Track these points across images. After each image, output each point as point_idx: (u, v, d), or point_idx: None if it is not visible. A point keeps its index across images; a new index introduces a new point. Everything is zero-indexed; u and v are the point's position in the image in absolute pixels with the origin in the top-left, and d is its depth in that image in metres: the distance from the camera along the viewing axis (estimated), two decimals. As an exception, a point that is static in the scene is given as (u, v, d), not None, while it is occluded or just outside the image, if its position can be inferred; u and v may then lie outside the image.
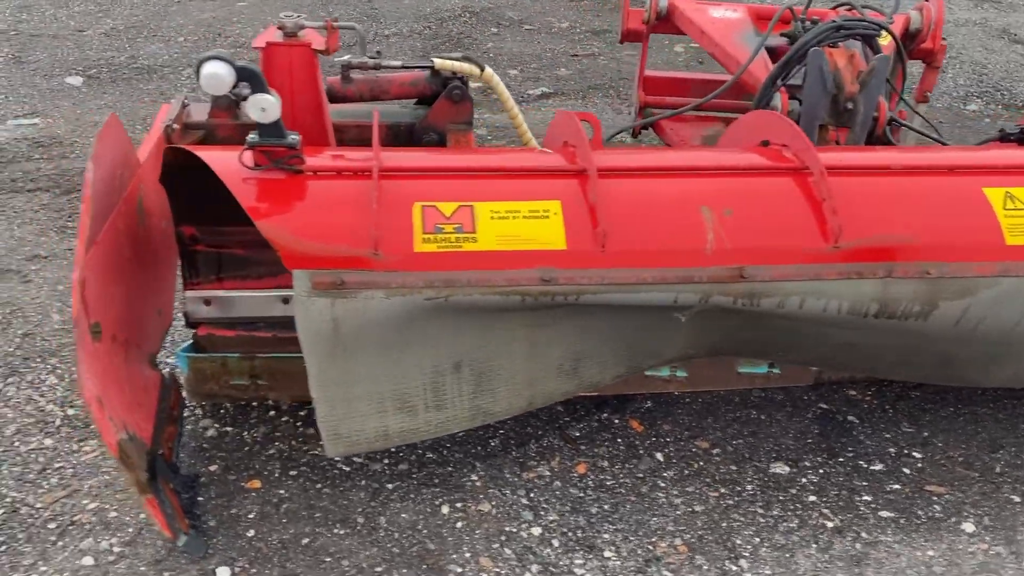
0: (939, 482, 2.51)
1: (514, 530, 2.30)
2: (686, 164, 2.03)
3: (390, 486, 2.43)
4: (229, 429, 2.61)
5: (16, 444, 2.52)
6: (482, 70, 2.56)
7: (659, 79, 3.72)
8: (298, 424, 2.64)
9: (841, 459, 2.59)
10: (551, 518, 2.34)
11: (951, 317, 1.99)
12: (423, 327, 1.87)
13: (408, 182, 1.88)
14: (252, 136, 1.87)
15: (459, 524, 2.31)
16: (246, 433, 2.60)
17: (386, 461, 2.51)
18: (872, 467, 2.56)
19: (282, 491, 2.40)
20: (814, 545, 2.28)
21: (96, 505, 2.33)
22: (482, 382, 2.06)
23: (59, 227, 3.68)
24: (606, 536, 2.29)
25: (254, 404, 2.71)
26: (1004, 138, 2.50)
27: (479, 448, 2.57)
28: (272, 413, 2.68)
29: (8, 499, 2.33)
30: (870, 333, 2.05)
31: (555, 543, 2.26)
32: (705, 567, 2.21)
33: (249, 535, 2.26)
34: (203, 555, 2.17)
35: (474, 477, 2.47)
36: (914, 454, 2.62)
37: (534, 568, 2.19)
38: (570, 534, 2.29)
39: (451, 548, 2.24)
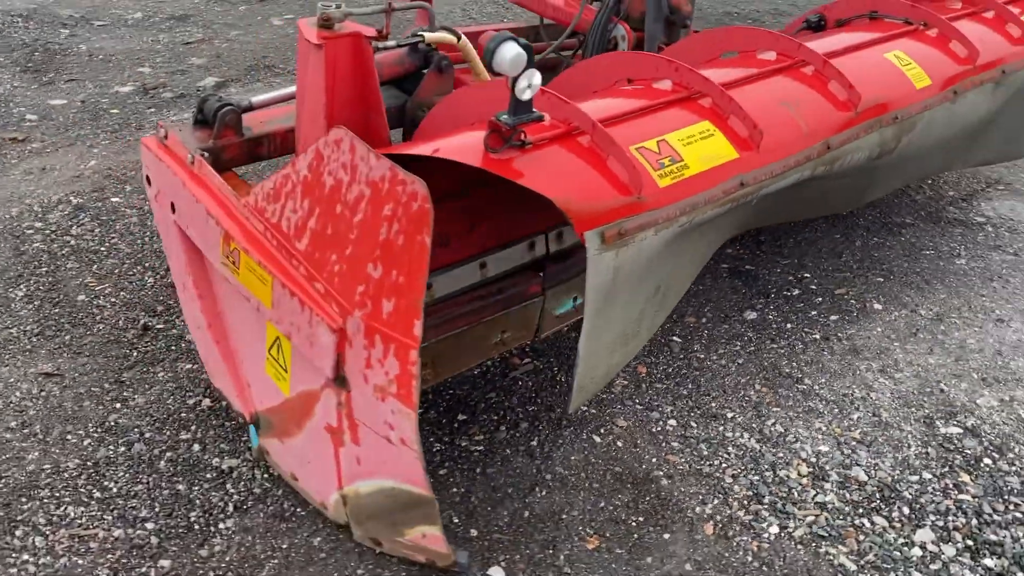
0: (837, 285, 3.38)
1: (659, 428, 2.62)
2: (747, 75, 2.45)
3: (534, 443, 2.54)
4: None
5: None
6: (459, 39, 2.63)
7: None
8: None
9: (772, 295, 3.32)
10: (669, 409, 2.70)
11: (909, 142, 2.78)
12: (663, 256, 2.09)
13: (611, 130, 2.03)
14: (505, 117, 1.85)
15: (619, 443, 2.56)
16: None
17: (503, 427, 2.60)
18: (793, 293, 3.34)
19: (452, 488, 2.38)
20: (825, 353, 2.99)
21: (304, 585, 2.08)
22: (664, 300, 2.32)
23: None
24: (714, 404, 2.73)
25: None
26: (810, 26, 3.36)
27: (555, 389, 2.78)
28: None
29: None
30: (861, 174, 2.75)
31: (693, 424, 2.64)
32: (790, 396, 2.78)
33: (473, 534, 2.24)
34: (470, 564, 2.13)
35: (582, 407, 2.68)
36: (805, 275, 3.45)
37: (703, 447, 2.56)
38: (693, 414, 2.68)
39: (635, 460, 2.49)
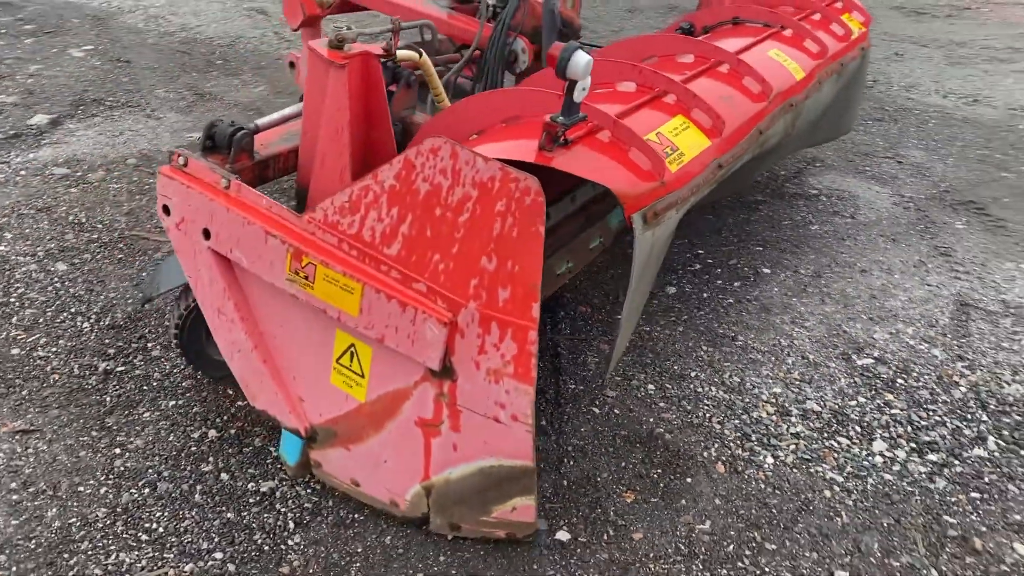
0: (727, 257, 3.87)
1: (643, 393, 2.93)
2: (688, 74, 2.79)
3: (543, 422, 2.77)
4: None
5: None
6: (420, 55, 2.78)
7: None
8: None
9: (679, 271, 3.75)
10: (643, 376, 3.02)
11: (798, 125, 3.28)
12: (670, 233, 2.40)
13: (623, 122, 2.30)
14: (560, 118, 2.06)
15: (616, 411, 2.85)
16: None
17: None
18: (696, 267, 3.79)
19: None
20: (744, 314, 3.44)
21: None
22: (656, 273, 2.63)
23: None
24: (676, 367, 3.09)
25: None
26: (683, 33, 3.80)
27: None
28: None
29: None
30: (768, 155, 3.21)
31: (668, 386, 2.98)
32: (732, 352, 3.19)
33: (528, 507, 2.44)
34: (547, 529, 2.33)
35: (571, 386, 2.94)
36: (699, 251, 3.92)
37: (685, 403, 2.90)
38: (663, 377, 3.02)
39: (635, 423, 2.79)
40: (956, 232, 4.23)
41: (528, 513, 2.16)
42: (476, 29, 3.65)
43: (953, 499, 2.57)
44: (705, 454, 2.67)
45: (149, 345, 3.02)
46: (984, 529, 2.46)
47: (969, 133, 5.72)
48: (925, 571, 2.31)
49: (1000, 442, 2.80)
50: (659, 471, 2.60)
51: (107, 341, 3.03)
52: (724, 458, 2.66)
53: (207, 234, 2.21)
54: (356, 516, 2.36)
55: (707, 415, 2.84)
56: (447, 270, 1.93)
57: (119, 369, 2.89)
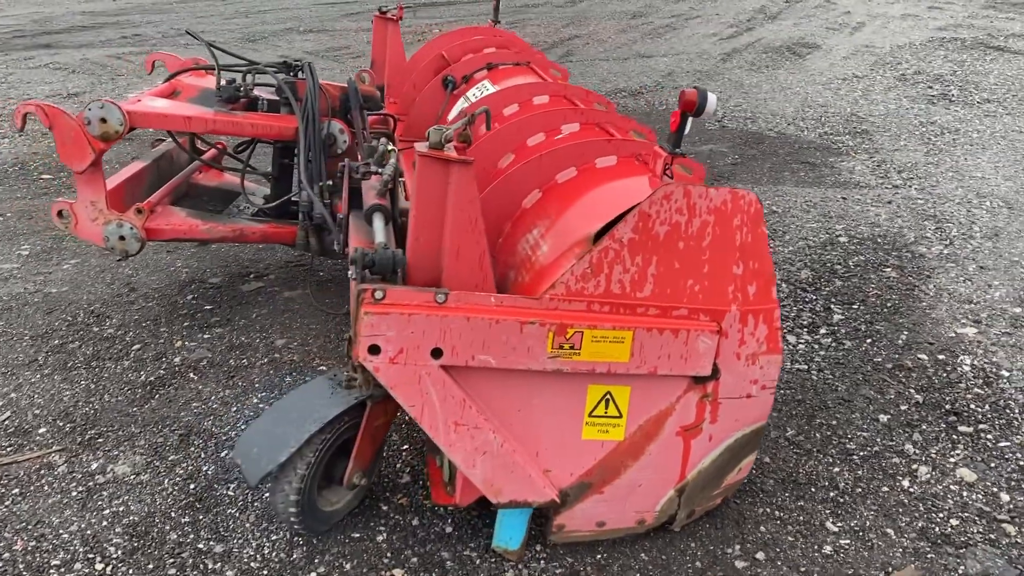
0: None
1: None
2: (579, 106, 3.32)
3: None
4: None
5: None
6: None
7: (122, 184, 3.57)
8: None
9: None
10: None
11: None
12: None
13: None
14: (677, 151, 2.48)
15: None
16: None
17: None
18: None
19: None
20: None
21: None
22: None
23: None
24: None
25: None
26: (447, 85, 4.19)
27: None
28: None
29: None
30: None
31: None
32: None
33: (688, 482, 2.87)
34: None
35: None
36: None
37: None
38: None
39: (664, 396, 3.32)
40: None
41: (749, 467, 2.60)
42: (262, 122, 3.67)
43: (862, 349, 3.61)
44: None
45: (200, 546, 2.61)
46: (899, 355, 3.54)
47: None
48: (907, 393, 3.30)
49: (839, 307, 3.94)
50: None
51: (151, 567, 2.54)
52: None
53: (437, 353, 2.17)
54: (605, 556, 2.52)
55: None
56: (703, 289, 2.28)
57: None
